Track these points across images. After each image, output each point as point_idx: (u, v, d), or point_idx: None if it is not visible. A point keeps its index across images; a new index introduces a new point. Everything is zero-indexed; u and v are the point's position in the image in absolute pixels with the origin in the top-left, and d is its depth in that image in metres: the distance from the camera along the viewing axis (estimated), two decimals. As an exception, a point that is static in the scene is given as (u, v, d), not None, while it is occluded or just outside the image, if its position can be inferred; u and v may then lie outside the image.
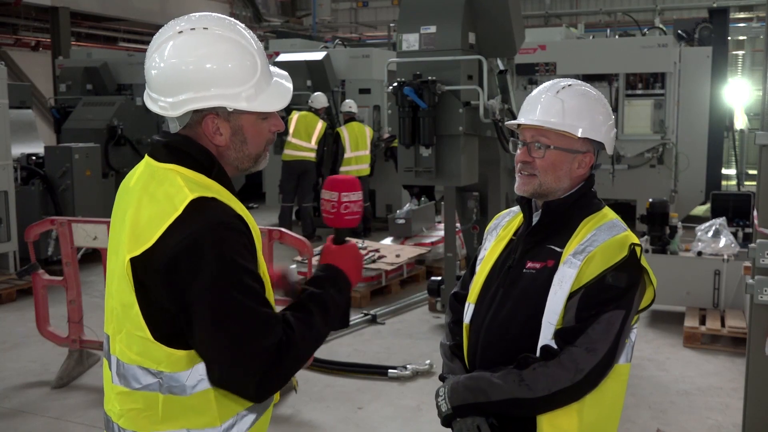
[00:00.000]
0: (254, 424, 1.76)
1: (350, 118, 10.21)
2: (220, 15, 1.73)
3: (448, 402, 1.94)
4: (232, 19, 1.75)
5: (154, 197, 1.65)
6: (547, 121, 1.95)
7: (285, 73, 1.83)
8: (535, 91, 2.04)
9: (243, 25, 1.75)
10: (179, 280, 1.58)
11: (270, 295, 1.77)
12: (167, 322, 1.63)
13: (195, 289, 1.57)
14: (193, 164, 1.70)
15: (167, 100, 1.68)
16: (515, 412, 1.89)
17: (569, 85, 2.00)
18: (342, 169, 10.10)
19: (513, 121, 2.05)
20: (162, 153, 1.72)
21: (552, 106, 1.96)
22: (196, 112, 1.69)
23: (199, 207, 1.61)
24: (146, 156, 1.77)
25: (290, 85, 1.81)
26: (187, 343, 1.64)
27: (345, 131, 10.06)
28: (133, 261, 1.62)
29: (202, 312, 1.58)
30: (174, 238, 1.58)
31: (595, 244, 1.88)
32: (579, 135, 1.95)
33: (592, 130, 1.96)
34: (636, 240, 1.92)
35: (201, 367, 1.65)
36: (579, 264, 1.87)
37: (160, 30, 1.72)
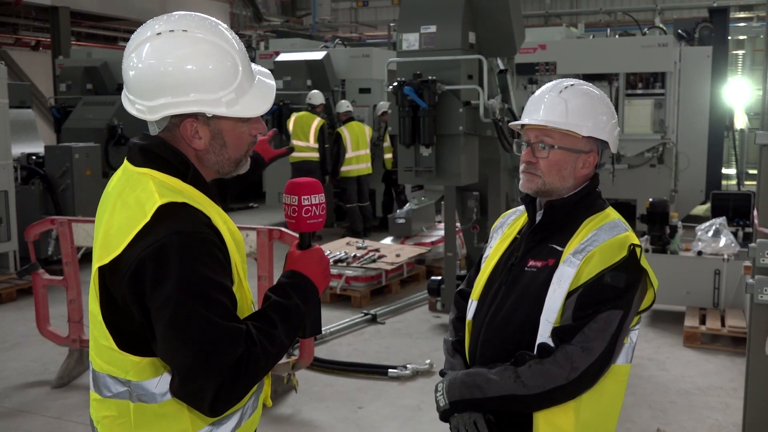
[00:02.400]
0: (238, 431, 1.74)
1: (349, 118, 10.24)
2: (201, 15, 1.68)
3: (445, 397, 1.95)
4: (214, 19, 1.70)
5: (126, 203, 1.63)
6: (551, 120, 1.95)
7: (267, 71, 1.78)
8: (538, 92, 2.04)
9: (225, 26, 1.70)
10: (142, 287, 1.54)
11: (246, 302, 1.74)
12: (134, 331, 1.61)
13: (157, 298, 1.53)
14: (167, 168, 1.66)
15: (144, 103, 1.64)
16: (511, 409, 1.90)
17: (572, 85, 2.00)
18: (343, 168, 10.13)
19: (517, 122, 2.05)
20: (137, 157, 1.69)
21: (556, 106, 1.96)
22: (174, 115, 1.64)
23: (168, 213, 1.57)
24: (125, 160, 1.74)
25: (273, 84, 1.76)
26: (151, 351, 1.61)
27: (346, 131, 10.09)
28: (102, 269, 1.60)
29: (163, 322, 1.54)
30: (140, 245, 1.55)
31: (595, 244, 1.88)
32: (583, 134, 1.95)
33: (596, 129, 1.96)
34: (636, 241, 1.91)
35: (169, 376, 1.62)
36: (578, 263, 1.87)
37: (138, 29, 1.67)
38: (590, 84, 2.06)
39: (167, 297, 1.53)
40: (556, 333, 1.86)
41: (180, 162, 1.68)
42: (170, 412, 1.65)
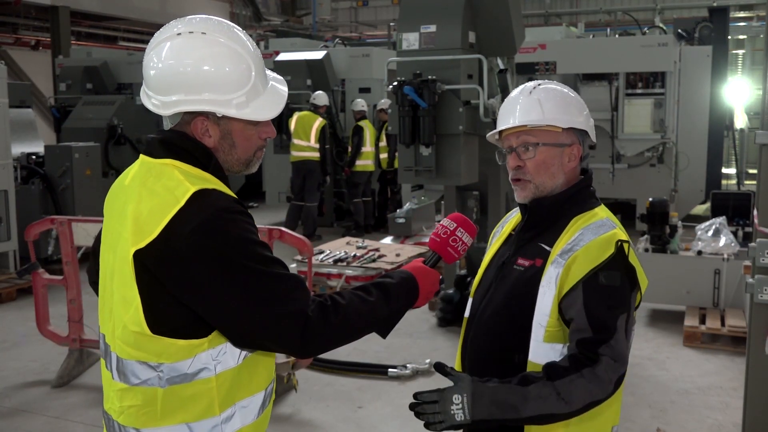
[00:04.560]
0: (256, 420, 1.77)
1: (362, 116, 10.37)
2: (220, 20, 1.75)
3: (468, 413, 1.74)
4: (233, 24, 1.77)
5: (153, 191, 1.67)
6: (530, 120, 1.97)
7: (281, 78, 1.85)
8: (508, 99, 2.06)
9: (242, 31, 1.77)
10: (195, 269, 1.60)
11: None
12: (174, 314, 1.65)
13: (215, 273, 1.61)
14: (189, 159, 1.72)
15: (160, 98, 1.71)
16: (541, 425, 1.82)
17: (539, 85, 2.04)
18: (359, 162, 10.25)
19: (494, 131, 2.06)
20: (158, 149, 1.74)
21: (531, 107, 1.98)
22: (187, 112, 1.72)
23: (203, 197, 1.65)
24: (141, 155, 1.79)
25: (285, 92, 1.82)
26: (190, 334, 1.66)
27: (366, 127, 10.26)
28: (138, 254, 1.63)
29: (230, 291, 1.61)
30: (184, 228, 1.60)
31: (581, 244, 1.87)
32: (563, 126, 1.97)
33: (573, 120, 1.99)
34: (624, 237, 1.89)
35: (204, 356, 1.67)
36: (564, 264, 1.86)
37: (161, 29, 1.75)
38: (555, 81, 2.09)
39: (225, 269, 1.61)
40: (582, 345, 1.80)
41: (202, 153, 1.74)
42: (199, 392, 1.68)
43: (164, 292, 1.63)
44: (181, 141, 1.73)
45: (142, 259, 1.63)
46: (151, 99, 1.73)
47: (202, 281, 1.61)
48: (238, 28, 1.77)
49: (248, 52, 1.73)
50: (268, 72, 1.82)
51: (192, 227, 1.60)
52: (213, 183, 1.70)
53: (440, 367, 1.83)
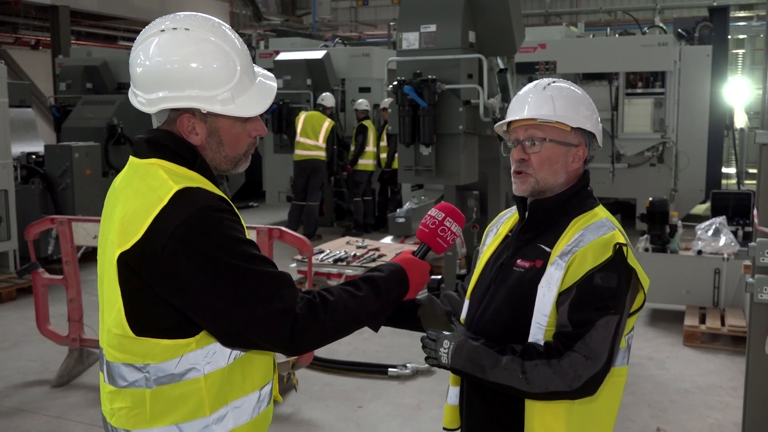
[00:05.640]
0: (250, 421, 1.76)
1: (365, 116, 10.43)
2: (205, 16, 1.73)
3: (449, 359, 1.93)
4: (218, 20, 1.75)
5: (138, 191, 1.67)
6: (541, 114, 1.96)
7: (270, 74, 1.83)
8: (521, 92, 2.06)
9: (228, 27, 1.75)
10: (181, 268, 1.59)
11: None
12: (160, 314, 1.64)
13: (200, 272, 1.59)
14: (175, 158, 1.71)
15: (145, 96, 1.71)
16: (506, 392, 1.89)
17: (554, 82, 2.03)
18: (361, 162, 10.30)
19: (503, 121, 2.04)
20: (144, 149, 1.73)
21: (543, 102, 1.97)
22: (173, 110, 1.70)
23: (186, 195, 1.63)
24: (130, 156, 1.78)
25: (273, 89, 1.80)
26: (176, 334, 1.65)
27: (370, 127, 10.33)
28: (124, 256, 1.62)
29: (216, 289, 1.60)
30: (167, 226, 1.59)
31: (581, 245, 1.87)
32: (572, 125, 1.96)
33: (582, 121, 1.98)
34: (622, 239, 1.89)
35: (192, 356, 1.66)
36: (564, 265, 1.86)
37: (146, 27, 1.74)
38: (569, 82, 2.09)
39: (210, 268, 1.59)
40: (558, 338, 1.84)
41: (187, 151, 1.72)
42: (188, 392, 1.67)
43: (150, 293, 1.62)
44: (166, 140, 1.72)
45: (127, 260, 1.62)
46: (137, 97, 1.72)
47: (187, 280, 1.60)
48: (224, 24, 1.75)
49: (233, 48, 1.71)
50: (257, 68, 1.80)
51: (175, 226, 1.59)
52: (198, 181, 1.69)
53: (449, 314, 2.11)
